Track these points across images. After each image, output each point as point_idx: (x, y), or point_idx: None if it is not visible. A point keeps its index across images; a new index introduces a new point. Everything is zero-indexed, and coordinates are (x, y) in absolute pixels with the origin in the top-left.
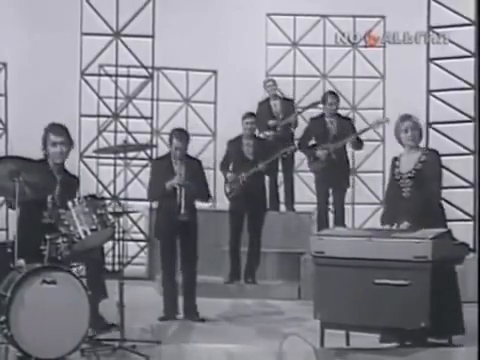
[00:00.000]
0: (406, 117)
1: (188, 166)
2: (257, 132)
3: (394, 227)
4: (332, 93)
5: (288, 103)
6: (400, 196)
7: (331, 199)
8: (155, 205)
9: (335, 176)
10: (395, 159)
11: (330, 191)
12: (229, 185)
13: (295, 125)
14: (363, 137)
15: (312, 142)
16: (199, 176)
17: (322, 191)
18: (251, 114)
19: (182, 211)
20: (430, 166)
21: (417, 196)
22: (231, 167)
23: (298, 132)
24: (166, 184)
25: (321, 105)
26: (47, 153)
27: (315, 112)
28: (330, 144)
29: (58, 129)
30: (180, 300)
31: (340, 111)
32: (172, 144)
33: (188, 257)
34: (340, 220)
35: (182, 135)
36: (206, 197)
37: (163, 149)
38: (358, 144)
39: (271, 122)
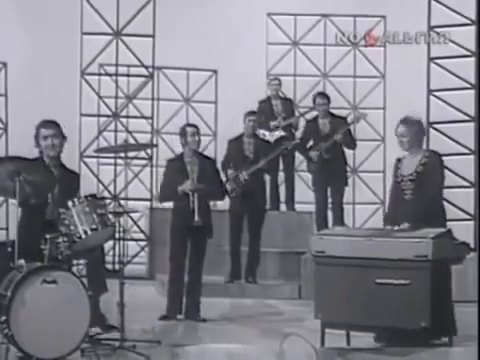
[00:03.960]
0: (401, 122)
1: (201, 166)
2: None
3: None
4: (321, 94)
5: (288, 103)
6: (402, 198)
7: (330, 198)
8: (167, 205)
9: (331, 175)
10: (398, 161)
11: (328, 190)
12: (230, 183)
13: (296, 127)
14: (363, 137)
15: (310, 144)
16: (213, 176)
17: (319, 191)
18: (253, 112)
19: (196, 217)
20: (431, 168)
21: (418, 198)
22: (232, 166)
23: (298, 133)
24: (178, 188)
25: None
26: (40, 149)
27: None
28: (321, 143)
29: (48, 123)
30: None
31: (340, 111)
32: (186, 136)
33: (197, 257)
34: (339, 219)
35: (194, 128)
36: (221, 196)
37: (163, 149)
38: (350, 143)
39: (273, 124)
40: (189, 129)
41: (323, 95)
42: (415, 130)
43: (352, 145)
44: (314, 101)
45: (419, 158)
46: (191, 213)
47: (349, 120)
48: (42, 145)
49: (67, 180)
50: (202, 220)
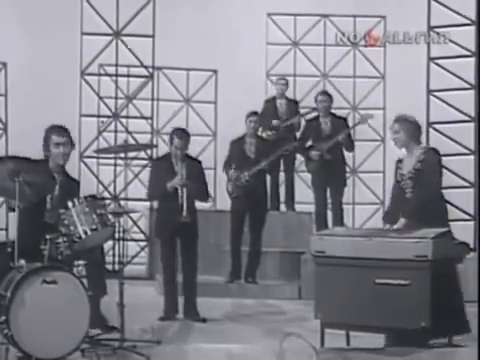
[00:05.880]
0: (395, 120)
1: (188, 166)
2: (261, 130)
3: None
4: (324, 92)
5: (293, 104)
6: (403, 197)
7: (329, 199)
8: (156, 205)
9: (331, 175)
10: (399, 161)
11: (328, 190)
12: (231, 184)
13: (298, 127)
14: (363, 137)
15: (309, 143)
16: (199, 176)
17: (319, 191)
18: (254, 113)
19: (184, 213)
20: (429, 164)
21: (416, 195)
22: (233, 167)
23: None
24: (167, 185)
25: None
26: (49, 154)
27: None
28: (323, 144)
29: (60, 130)
30: (180, 300)
31: (340, 111)
32: (173, 143)
33: (188, 257)
34: (338, 219)
35: (183, 134)
36: (206, 197)
37: (163, 149)
38: (349, 145)
39: (274, 122)
40: (176, 141)
41: (325, 93)
42: (410, 128)
43: (351, 148)
44: (316, 100)
45: (417, 155)
46: (179, 210)
47: (355, 121)
48: (53, 152)
49: (67, 186)
50: (189, 216)
